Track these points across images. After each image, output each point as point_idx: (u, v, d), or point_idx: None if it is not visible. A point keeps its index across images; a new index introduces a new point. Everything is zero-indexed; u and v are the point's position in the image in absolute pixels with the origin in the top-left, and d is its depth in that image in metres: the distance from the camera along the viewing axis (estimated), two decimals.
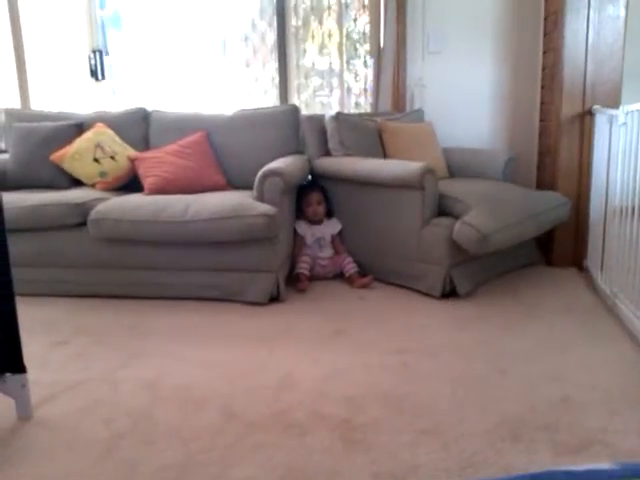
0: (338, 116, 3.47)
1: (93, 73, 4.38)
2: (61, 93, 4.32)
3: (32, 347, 2.46)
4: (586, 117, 3.28)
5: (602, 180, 2.99)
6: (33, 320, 2.80)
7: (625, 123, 2.66)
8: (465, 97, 3.95)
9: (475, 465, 1.61)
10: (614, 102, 3.17)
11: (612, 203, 2.85)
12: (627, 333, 2.46)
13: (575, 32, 3.23)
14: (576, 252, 3.40)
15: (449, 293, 2.93)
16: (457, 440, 1.73)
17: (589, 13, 3.20)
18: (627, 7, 3.18)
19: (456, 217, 2.88)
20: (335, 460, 1.66)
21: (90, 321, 2.79)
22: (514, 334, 2.51)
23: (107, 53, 4.41)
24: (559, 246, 3.43)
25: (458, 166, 3.65)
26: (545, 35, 3.68)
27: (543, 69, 3.73)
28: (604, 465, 0.60)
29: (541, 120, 3.77)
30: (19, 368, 1.89)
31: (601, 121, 3.08)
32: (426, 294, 2.97)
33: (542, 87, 3.75)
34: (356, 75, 4.50)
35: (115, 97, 4.60)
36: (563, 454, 1.64)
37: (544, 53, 3.70)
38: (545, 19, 3.67)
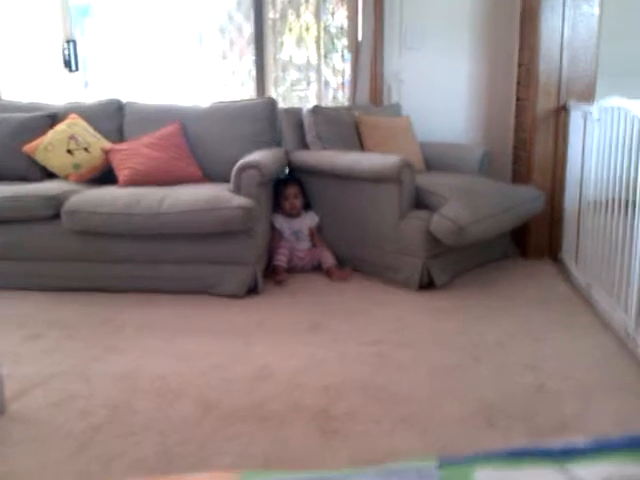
0: (315, 109, 3.46)
1: (67, 64, 4.30)
2: (33, 84, 4.24)
3: (4, 341, 2.42)
4: (561, 112, 3.32)
5: (577, 174, 3.03)
6: (5, 314, 2.75)
7: (599, 119, 2.70)
8: (442, 92, 3.97)
9: (452, 451, 1.62)
10: (588, 98, 3.21)
11: (586, 196, 2.89)
12: (602, 323, 2.50)
13: (551, 29, 3.27)
14: (551, 244, 3.44)
15: (426, 285, 2.94)
16: (434, 428, 1.75)
17: (564, 10, 3.24)
18: (601, 5, 3.23)
19: (433, 210, 2.90)
20: (313, 450, 1.66)
21: (63, 314, 2.75)
22: (490, 324, 2.53)
23: (76, 44, 4.33)
24: (534, 238, 3.47)
25: (435, 160, 3.67)
26: (521, 32, 3.71)
27: (519, 65, 3.76)
28: (578, 441, 0.60)
29: (517, 115, 3.80)
30: None
31: (576, 116, 3.12)
32: (403, 286, 2.98)
33: (518, 83, 3.78)
34: (334, 69, 4.49)
35: (89, 88, 4.53)
36: (538, 440, 1.66)
37: (520, 49, 3.74)
38: (521, 16, 3.70)
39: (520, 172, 3.67)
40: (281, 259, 3.19)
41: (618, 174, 2.46)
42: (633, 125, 2.29)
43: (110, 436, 1.74)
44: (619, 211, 2.44)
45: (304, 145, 3.49)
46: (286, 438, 1.71)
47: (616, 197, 2.49)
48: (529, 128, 3.46)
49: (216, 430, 1.76)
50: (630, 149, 2.32)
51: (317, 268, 3.28)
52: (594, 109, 2.77)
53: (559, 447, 0.59)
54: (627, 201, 2.36)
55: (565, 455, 0.57)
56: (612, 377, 2.04)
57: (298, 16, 4.52)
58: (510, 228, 3.22)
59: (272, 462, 1.60)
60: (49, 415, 1.86)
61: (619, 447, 0.57)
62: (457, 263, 3.11)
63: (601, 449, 0.58)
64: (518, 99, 3.78)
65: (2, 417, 1.84)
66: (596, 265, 2.70)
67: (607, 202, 2.60)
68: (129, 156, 3.32)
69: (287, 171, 3.52)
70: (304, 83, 4.62)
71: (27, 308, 2.84)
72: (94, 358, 2.28)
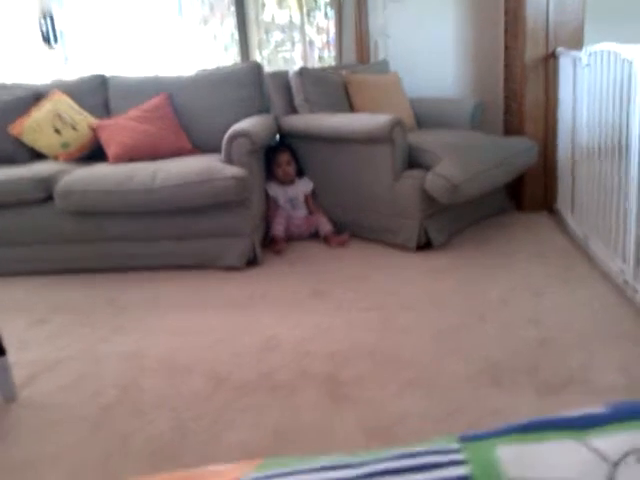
0: (302, 72, 3.40)
1: (45, 39, 4.20)
2: (12, 61, 4.14)
3: (9, 328, 2.42)
4: (550, 60, 3.27)
5: (569, 122, 3.01)
6: (6, 301, 2.75)
7: (589, 64, 2.67)
8: (429, 45, 3.90)
9: (460, 410, 1.66)
10: (577, 44, 3.16)
11: (579, 144, 2.88)
12: (600, 273, 2.52)
13: None
14: (546, 196, 3.44)
15: (424, 245, 2.95)
16: (441, 388, 1.78)
17: None
18: None
19: (427, 168, 2.89)
20: (324, 416, 1.69)
21: (65, 297, 2.75)
22: (490, 281, 2.55)
23: (53, 18, 4.21)
24: (529, 191, 3.46)
25: (425, 116, 3.63)
26: None
27: (506, 13, 3.69)
28: (595, 409, 0.61)
29: (506, 65, 3.75)
30: None
31: (565, 63, 3.08)
32: (402, 247, 2.99)
33: (505, 31, 3.72)
34: (318, 28, 4.41)
35: (68, 64, 4.43)
36: (546, 394, 1.69)
37: None
38: None
39: (512, 123, 3.64)
40: (278, 229, 3.18)
41: (610, 119, 2.45)
42: (623, 69, 2.26)
43: (123, 415, 1.77)
44: (612, 158, 2.43)
45: (293, 109, 3.45)
46: (296, 407, 1.74)
47: (609, 144, 2.48)
48: (519, 77, 3.42)
49: (227, 403, 1.79)
50: (620, 93, 2.30)
51: (314, 235, 3.28)
52: (583, 55, 2.74)
53: (578, 418, 0.60)
54: (620, 148, 2.35)
55: (585, 426, 0.58)
56: (612, 326, 2.07)
57: None
58: (505, 182, 3.21)
59: (284, 432, 1.63)
60: (60, 399, 1.88)
61: (637, 415, 0.58)
62: (453, 221, 3.11)
63: (621, 418, 0.58)
64: (506, 48, 3.72)
65: (14, 404, 1.87)
66: (592, 215, 2.70)
67: (600, 149, 2.59)
68: (117, 131, 3.27)
69: (278, 137, 3.49)
70: (288, 44, 4.54)
71: (28, 293, 2.84)
72: (100, 339, 2.29)
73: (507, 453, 0.56)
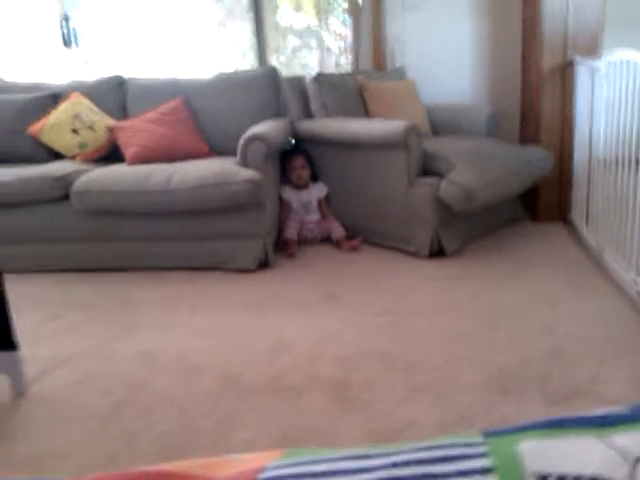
0: (319, 77, 3.42)
1: (65, 40, 4.26)
2: (32, 62, 4.20)
3: (23, 323, 2.43)
4: (567, 68, 3.26)
5: (585, 132, 3.00)
6: (21, 297, 2.76)
7: (607, 73, 2.65)
8: (446, 52, 3.90)
9: (469, 418, 1.65)
10: (595, 53, 3.15)
11: (596, 155, 2.86)
12: (614, 285, 2.50)
13: None
14: (561, 206, 3.42)
15: (437, 252, 2.95)
16: (450, 395, 1.77)
17: None
18: None
19: (441, 175, 2.88)
20: (332, 420, 1.69)
21: (80, 295, 2.78)
22: (503, 290, 2.54)
23: (70, 20, 4.26)
24: (544, 201, 3.45)
25: (441, 123, 3.63)
26: None
27: (524, 21, 3.68)
28: (615, 409, 0.62)
29: (523, 73, 3.74)
30: (11, 345, 1.89)
31: (582, 72, 3.06)
32: (414, 254, 2.99)
33: (523, 40, 3.71)
34: (335, 34, 4.43)
35: (88, 65, 4.48)
36: (554, 404, 1.68)
37: (523, 5, 3.65)
38: None
39: (528, 132, 3.63)
40: (291, 232, 3.20)
41: (628, 131, 2.43)
42: None
43: (132, 413, 1.78)
44: (629, 169, 2.41)
45: (309, 114, 3.46)
46: (304, 410, 1.75)
47: (626, 155, 2.46)
48: (535, 86, 3.41)
49: (236, 404, 1.79)
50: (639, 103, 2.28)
51: (327, 239, 3.28)
52: (601, 64, 2.72)
53: (598, 416, 0.60)
54: (638, 159, 2.33)
55: (604, 424, 0.58)
56: (624, 338, 2.05)
57: None
58: (519, 191, 3.20)
59: (291, 434, 1.63)
60: (70, 395, 1.90)
61: None
62: (467, 230, 3.10)
63: (639, 418, 0.59)
64: (524, 57, 3.71)
65: (25, 399, 1.88)
66: (607, 226, 2.68)
67: (617, 160, 2.57)
68: (134, 133, 3.30)
69: (293, 142, 3.50)
70: (305, 50, 4.56)
71: (43, 290, 2.87)
72: (113, 337, 2.31)
73: (529, 447, 0.56)
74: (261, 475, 0.58)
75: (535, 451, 0.55)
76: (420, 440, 0.62)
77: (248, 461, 0.62)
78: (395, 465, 0.56)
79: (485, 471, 0.53)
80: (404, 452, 0.59)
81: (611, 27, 3.31)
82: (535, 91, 3.41)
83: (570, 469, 0.52)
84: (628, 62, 2.39)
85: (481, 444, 0.58)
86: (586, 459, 0.53)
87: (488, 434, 0.61)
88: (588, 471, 0.52)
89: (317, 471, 0.57)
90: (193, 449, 1.59)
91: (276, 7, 4.48)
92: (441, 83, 3.88)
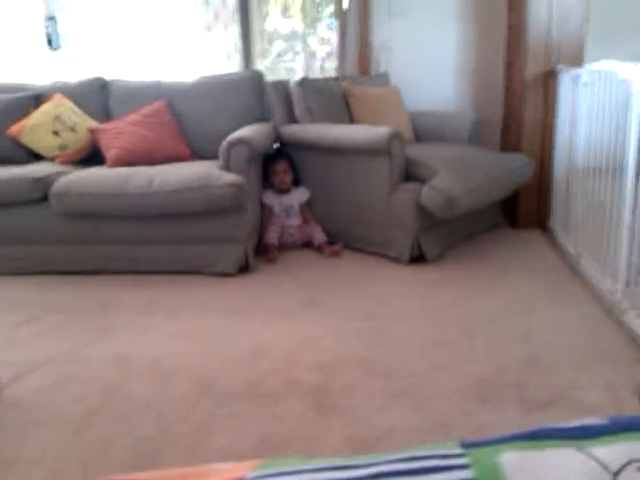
0: (303, 82, 3.42)
1: (49, 41, 4.22)
2: (15, 63, 4.16)
3: None
4: (550, 77, 3.29)
5: (565, 140, 3.02)
6: None
7: (588, 82, 2.68)
8: (431, 59, 3.93)
9: (447, 425, 1.65)
10: (578, 62, 3.18)
11: (575, 164, 2.89)
12: (591, 292, 2.52)
13: None
14: (540, 214, 3.45)
15: (417, 258, 2.96)
16: (429, 402, 1.77)
17: None
18: None
19: (423, 182, 2.89)
20: (309, 426, 1.68)
21: (56, 298, 2.75)
22: (481, 297, 2.55)
23: (56, 21, 4.22)
24: (523, 208, 3.47)
25: (424, 130, 3.65)
26: None
27: (508, 28, 3.71)
28: (595, 420, 0.62)
29: (506, 81, 3.77)
30: None
31: (565, 80, 3.09)
32: (395, 260, 2.99)
33: (507, 47, 3.74)
34: (320, 39, 4.43)
35: (72, 67, 4.45)
36: (532, 411, 1.69)
37: (509, 12, 3.68)
38: None
39: (509, 139, 3.65)
40: (272, 236, 3.19)
41: (606, 139, 2.45)
42: (621, 88, 2.27)
43: (107, 419, 1.76)
44: (607, 178, 2.44)
45: (293, 119, 3.46)
46: (282, 415, 1.74)
47: (604, 163, 2.49)
48: (518, 93, 3.43)
49: (213, 410, 1.78)
50: (618, 112, 2.31)
51: (308, 244, 3.28)
52: (583, 73, 2.75)
53: (578, 427, 0.61)
54: (615, 168, 2.35)
55: (585, 436, 0.59)
56: (601, 345, 2.07)
57: None
58: (500, 198, 3.22)
59: (269, 440, 1.62)
60: (45, 400, 1.87)
61: (636, 427, 0.59)
62: (447, 235, 3.12)
63: (619, 430, 0.59)
64: (508, 64, 3.74)
65: None
66: (585, 234, 2.71)
67: (595, 168, 2.59)
68: (116, 135, 3.28)
69: (276, 146, 3.49)
70: (290, 54, 4.56)
71: (19, 292, 2.83)
72: (89, 341, 2.28)
73: (509, 459, 0.56)
74: None
75: (516, 462, 0.55)
76: (400, 450, 0.62)
77: (227, 471, 0.62)
78: (376, 476, 0.55)
79: None
80: (384, 463, 0.58)
81: (594, 39, 3.35)
82: (518, 99, 3.44)
83: None
84: (609, 72, 2.42)
85: (461, 455, 0.58)
86: (567, 470, 0.53)
87: (467, 445, 0.60)
88: None
89: None
90: (169, 456, 1.58)
91: (263, 11, 4.48)
92: (425, 90, 3.90)
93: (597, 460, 0.54)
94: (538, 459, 0.55)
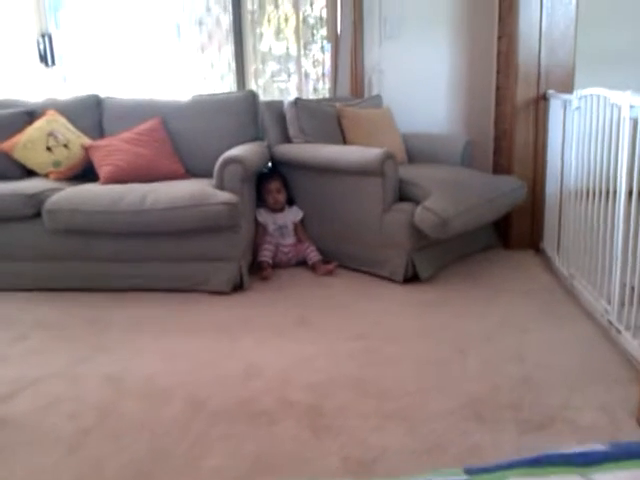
0: (297, 102, 3.44)
1: (42, 58, 4.23)
2: (8, 79, 4.16)
3: None
4: (541, 102, 3.34)
5: (557, 163, 3.06)
6: None
7: (579, 107, 2.72)
8: (422, 82, 3.97)
9: (442, 446, 1.65)
10: (568, 87, 3.24)
11: (567, 186, 2.92)
12: (584, 313, 2.54)
13: (529, 18, 3.28)
14: (532, 235, 3.48)
15: (411, 278, 2.96)
16: (423, 422, 1.76)
17: (542, 0, 3.26)
18: None
19: (416, 202, 2.91)
20: (304, 447, 1.67)
21: (49, 315, 2.72)
22: (475, 317, 2.56)
23: (51, 38, 4.24)
24: (516, 229, 3.50)
25: (417, 151, 3.68)
26: (500, 20, 3.72)
27: (498, 54, 3.77)
28: (597, 447, 0.62)
29: (497, 105, 3.82)
30: None
31: (555, 105, 3.14)
32: (389, 279, 3.00)
33: (497, 72, 3.80)
34: (314, 60, 4.47)
35: (66, 84, 4.45)
36: (527, 432, 1.69)
37: (499, 38, 3.75)
38: (500, 4, 3.70)
39: (501, 162, 3.69)
40: (266, 255, 3.18)
41: (598, 163, 2.49)
42: (612, 114, 2.31)
43: (100, 438, 1.73)
44: (600, 201, 2.47)
45: (286, 138, 3.48)
46: (276, 436, 1.72)
47: (597, 186, 2.52)
48: (509, 118, 3.48)
49: (206, 430, 1.76)
50: (609, 137, 2.34)
51: (302, 263, 3.28)
52: (573, 98, 2.79)
53: (581, 454, 0.61)
54: (607, 190, 2.38)
55: (586, 463, 0.59)
56: (595, 366, 2.08)
57: (276, 7, 4.49)
58: (493, 219, 3.24)
59: (262, 461, 1.61)
60: (37, 419, 1.85)
61: (636, 455, 0.59)
62: (441, 256, 3.13)
63: (620, 456, 0.59)
64: (498, 88, 3.80)
65: None
66: (578, 255, 2.73)
67: (588, 192, 2.63)
68: (110, 153, 3.28)
69: (270, 165, 3.51)
70: (284, 75, 4.60)
71: (11, 309, 2.81)
72: (82, 359, 2.26)
73: None
74: None
75: None
76: (405, 476, 0.62)
77: None
78: None
79: None
80: None
81: (582, 65, 3.41)
82: (509, 122, 3.48)
83: None
84: (598, 97, 2.46)
85: None
86: None
87: (471, 471, 0.60)
88: None
89: None
90: (162, 476, 1.56)
91: (257, 33, 4.52)
92: (417, 112, 3.94)
93: None
94: None
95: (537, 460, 0.60)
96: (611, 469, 0.57)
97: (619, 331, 2.20)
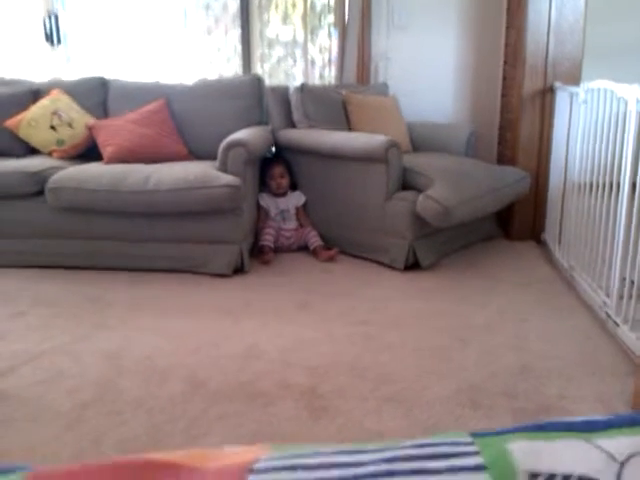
0: (303, 87, 3.43)
1: (48, 38, 4.21)
2: (14, 58, 4.15)
3: None
4: (547, 93, 3.33)
5: (561, 156, 3.06)
6: None
7: (585, 100, 2.71)
8: (429, 72, 3.96)
9: (437, 430, 1.66)
10: (575, 79, 3.23)
11: (571, 179, 2.92)
12: (583, 304, 2.54)
13: (538, 10, 3.26)
14: (534, 226, 3.48)
15: (412, 265, 2.97)
16: (420, 407, 1.78)
17: None
18: None
19: (419, 191, 2.91)
20: (301, 428, 1.68)
21: (50, 292, 2.73)
22: (475, 305, 2.56)
23: (58, 18, 4.22)
24: (518, 220, 3.50)
25: (421, 140, 3.67)
26: (508, 12, 3.70)
27: (506, 45, 3.76)
28: (599, 416, 0.63)
29: (503, 95, 3.81)
30: None
31: (562, 98, 3.13)
32: (390, 266, 3.00)
33: (505, 63, 3.78)
34: (320, 47, 4.45)
35: (70, 64, 4.44)
36: (522, 420, 1.70)
37: (507, 29, 3.73)
38: None
39: (505, 153, 3.69)
40: (268, 239, 3.19)
41: (602, 156, 2.49)
42: (618, 107, 2.31)
43: (99, 414, 1.75)
44: (602, 194, 2.47)
45: (291, 123, 3.47)
46: (274, 417, 1.73)
47: (600, 180, 2.52)
48: (515, 109, 3.47)
49: (204, 409, 1.77)
50: (615, 131, 2.34)
51: (303, 248, 3.28)
52: (580, 91, 2.78)
53: (583, 422, 0.62)
54: (611, 184, 2.38)
55: (590, 429, 0.60)
56: (593, 358, 2.09)
57: None
58: (495, 209, 3.24)
59: (260, 441, 1.62)
60: (37, 393, 1.86)
61: (639, 422, 0.60)
62: (442, 244, 3.13)
63: (623, 424, 0.60)
64: (505, 78, 3.78)
65: None
66: (578, 248, 2.74)
67: (591, 185, 2.63)
68: (113, 132, 3.28)
69: (273, 150, 3.51)
70: (290, 60, 4.57)
71: (11, 285, 2.82)
72: (82, 336, 2.27)
73: (518, 447, 0.57)
74: (256, 465, 0.58)
75: (525, 450, 0.56)
76: (410, 439, 0.63)
77: (240, 453, 0.62)
78: (388, 460, 0.56)
79: (477, 468, 0.54)
80: (397, 448, 0.59)
81: (590, 57, 3.40)
82: (515, 113, 3.47)
83: (559, 468, 0.53)
84: (605, 90, 2.46)
85: (471, 443, 0.59)
86: (575, 460, 0.54)
87: (476, 435, 0.61)
88: (577, 471, 0.53)
89: (312, 463, 0.57)
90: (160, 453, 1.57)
91: (264, 18, 4.50)
92: (423, 101, 3.93)
93: (604, 451, 0.55)
94: (546, 448, 0.56)
95: (541, 426, 0.61)
96: (614, 435, 0.58)
97: (617, 324, 2.21)
